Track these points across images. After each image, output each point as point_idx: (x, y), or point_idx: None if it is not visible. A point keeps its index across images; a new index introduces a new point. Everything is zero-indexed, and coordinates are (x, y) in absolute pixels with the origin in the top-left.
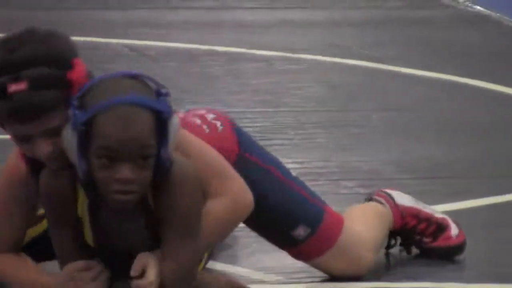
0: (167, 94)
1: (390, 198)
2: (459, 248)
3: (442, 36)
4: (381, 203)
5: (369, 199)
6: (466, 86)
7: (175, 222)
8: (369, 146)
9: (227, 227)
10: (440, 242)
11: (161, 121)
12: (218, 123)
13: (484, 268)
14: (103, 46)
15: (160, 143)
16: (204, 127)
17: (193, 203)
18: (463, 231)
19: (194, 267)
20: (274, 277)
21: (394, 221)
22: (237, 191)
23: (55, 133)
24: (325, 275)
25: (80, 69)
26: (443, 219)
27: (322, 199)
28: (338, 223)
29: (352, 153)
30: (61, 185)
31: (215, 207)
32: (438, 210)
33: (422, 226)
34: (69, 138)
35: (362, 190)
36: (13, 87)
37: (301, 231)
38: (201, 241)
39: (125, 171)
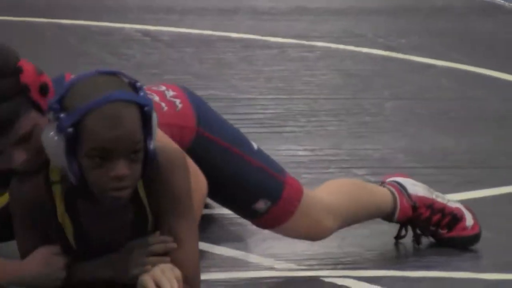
0: (142, 87)
1: (402, 188)
2: (474, 238)
3: (456, 26)
4: (390, 191)
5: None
6: (480, 75)
7: (172, 206)
8: (381, 134)
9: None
10: (455, 233)
11: (144, 114)
12: (177, 101)
13: (497, 258)
14: (117, 31)
15: (146, 135)
16: (162, 104)
17: (184, 184)
18: (478, 220)
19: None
20: (284, 264)
21: (403, 212)
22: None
23: (26, 139)
24: (335, 262)
25: (29, 69)
26: (458, 209)
27: (282, 168)
28: (298, 192)
29: (364, 141)
30: (37, 191)
31: None
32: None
33: (436, 217)
34: (54, 143)
35: (372, 178)
36: None
37: (261, 205)
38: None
39: (120, 168)
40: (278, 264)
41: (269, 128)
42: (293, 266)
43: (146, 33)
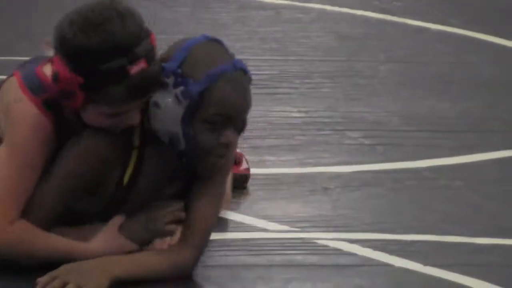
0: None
1: None
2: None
3: None
4: None
5: None
6: (474, 39)
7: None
8: (376, 97)
9: None
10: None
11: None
12: None
13: (488, 223)
14: None
15: None
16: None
17: (231, 160)
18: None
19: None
20: (277, 226)
21: None
22: None
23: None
24: (328, 225)
25: (153, 36)
26: (240, 154)
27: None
28: None
29: (358, 103)
30: (115, 149)
31: None
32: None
33: None
34: (172, 107)
35: (366, 141)
36: (135, 69)
37: None
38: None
39: (231, 136)
40: (271, 226)
41: (263, 89)
42: (285, 227)
43: None
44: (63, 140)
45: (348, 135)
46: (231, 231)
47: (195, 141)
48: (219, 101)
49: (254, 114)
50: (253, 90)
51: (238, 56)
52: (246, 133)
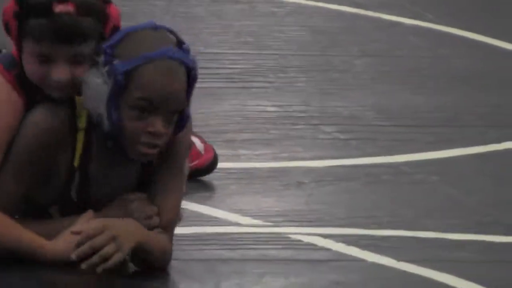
0: (189, 49)
1: None
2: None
3: None
4: None
5: None
6: (447, 34)
7: (171, 161)
8: (350, 91)
9: None
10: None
11: (190, 78)
12: None
13: (465, 218)
14: None
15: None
16: None
17: (186, 147)
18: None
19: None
20: (250, 220)
21: None
22: None
23: (78, 62)
24: (301, 219)
25: (115, 8)
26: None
27: None
28: None
29: (333, 98)
30: (64, 126)
31: None
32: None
33: None
34: (98, 86)
35: (341, 136)
36: (60, 7)
37: None
38: None
39: (159, 125)
40: (244, 220)
41: (237, 83)
42: (259, 222)
43: None
44: None
45: (322, 129)
46: (205, 225)
47: (120, 126)
48: (141, 84)
49: (229, 108)
50: (228, 83)
51: (213, 50)
52: (221, 127)
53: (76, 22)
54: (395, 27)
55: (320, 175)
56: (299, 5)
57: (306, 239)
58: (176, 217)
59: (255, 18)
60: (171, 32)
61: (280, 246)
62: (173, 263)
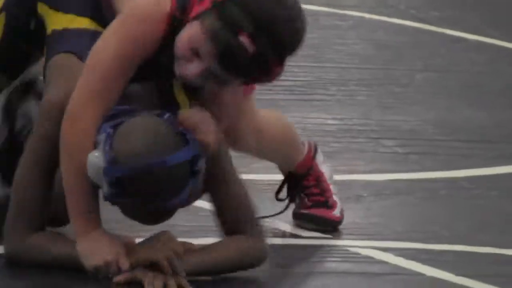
0: (192, 138)
1: (314, 150)
2: (332, 223)
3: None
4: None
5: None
6: (509, 50)
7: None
8: (411, 105)
9: None
10: (316, 211)
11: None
12: None
13: (508, 233)
14: None
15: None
16: None
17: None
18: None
19: None
20: (309, 232)
21: (303, 164)
22: None
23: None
24: (360, 232)
25: None
26: (336, 203)
27: None
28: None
29: (393, 111)
30: None
31: None
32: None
33: (314, 190)
34: (95, 164)
35: (400, 150)
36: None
37: None
38: None
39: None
40: (303, 232)
41: (298, 95)
42: (318, 234)
43: None
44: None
45: (382, 143)
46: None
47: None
48: (132, 193)
49: (292, 120)
50: (288, 95)
51: None
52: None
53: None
54: (457, 42)
55: (379, 189)
56: (362, 19)
57: (364, 252)
58: (247, 209)
59: (317, 31)
60: (171, 122)
61: (339, 259)
62: (230, 273)
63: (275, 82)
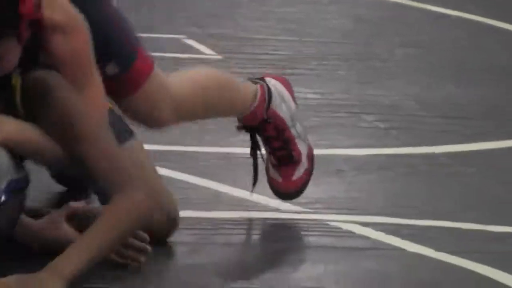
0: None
1: (268, 98)
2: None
3: None
4: (254, 93)
5: (253, 80)
6: (491, 27)
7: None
8: (392, 80)
9: None
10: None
11: None
12: None
13: (503, 210)
14: None
15: None
16: None
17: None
18: (309, 175)
19: None
20: (290, 206)
21: (250, 118)
22: None
23: None
24: (340, 207)
25: (30, 1)
26: (299, 153)
27: (139, 41)
28: (148, 68)
29: (374, 86)
30: None
31: None
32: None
33: (276, 144)
34: None
35: (381, 125)
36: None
37: (111, 69)
38: None
39: None
40: (283, 206)
41: (279, 69)
42: (298, 208)
43: None
44: None
45: (363, 118)
46: (244, 210)
47: None
48: None
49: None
50: (269, 69)
51: (254, 35)
52: None
53: None
54: (439, 18)
55: (359, 164)
56: None
57: (345, 226)
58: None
59: (298, 5)
60: None
61: (319, 233)
62: (210, 247)
63: (256, 56)
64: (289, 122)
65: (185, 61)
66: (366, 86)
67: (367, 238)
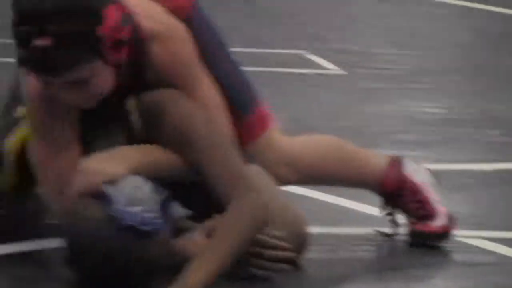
0: None
1: (398, 163)
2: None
3: None
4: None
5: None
6: None
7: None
8: None
9: None
10: (421, 227)
11: None
12: None
13: None
14: None
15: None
16: None
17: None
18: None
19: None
20: None
21: (382, 182)
22: None
23: (79, 84)
24: (465, 222)
25: (112, 20)
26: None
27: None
28: (266, 121)
29: (496, 100)
30: None
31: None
32: None
33: (412, 206)
34: None
35: (505, 139)
36: (37, 42)
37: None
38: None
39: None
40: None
41: (401, 84)
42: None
43: None
44: None
45: (487, 132)
46: (358, 226)
47: None
48: None
49: (392, 109)
50: (393, 85)
51: (375, 50)
52: (384, 128)
53: (51, 56)
54: None
55: (484, 178)
56: (465, 7)
57: (471, 242)
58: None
59: (416, 19)
60: None
61: (446, 249)
62: (336, 261)
63: (377, 71)
64: (426, 186)
65: (305, 76)
66: (488, 99)
67: (493, 253)
